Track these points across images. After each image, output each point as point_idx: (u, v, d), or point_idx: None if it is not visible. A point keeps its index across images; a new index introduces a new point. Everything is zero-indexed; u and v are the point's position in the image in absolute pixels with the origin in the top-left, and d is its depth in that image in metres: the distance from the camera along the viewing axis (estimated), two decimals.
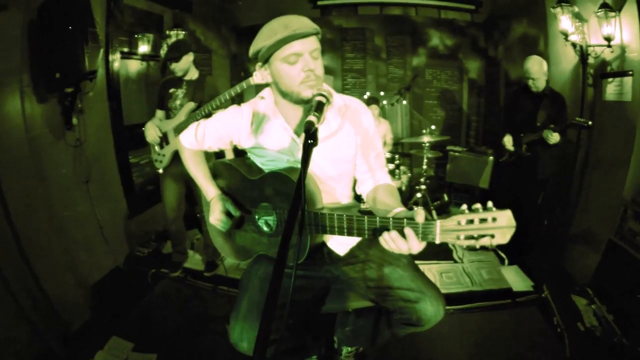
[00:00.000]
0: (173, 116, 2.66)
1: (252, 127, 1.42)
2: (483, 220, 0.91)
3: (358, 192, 1.50)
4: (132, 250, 3.26)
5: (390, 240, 1.03)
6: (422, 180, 4.06)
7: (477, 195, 4.33)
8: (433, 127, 4.15)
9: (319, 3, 4.53)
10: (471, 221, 0.92)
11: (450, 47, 4.71)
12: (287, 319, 1.38)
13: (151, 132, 2.66)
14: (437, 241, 0.98)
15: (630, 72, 2.49)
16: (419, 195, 4.04)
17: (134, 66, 3.46)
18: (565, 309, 2.47)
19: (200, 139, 1.53)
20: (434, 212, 3.82)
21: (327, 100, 1.15)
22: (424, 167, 4.05)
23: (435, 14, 4.61)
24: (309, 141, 0.98)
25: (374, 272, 1.39)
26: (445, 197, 4.43)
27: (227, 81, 4.72)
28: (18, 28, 2.24)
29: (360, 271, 1.42)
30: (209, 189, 1.53)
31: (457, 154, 4.33)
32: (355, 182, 1.51)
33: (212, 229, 1.60)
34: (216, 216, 1.46)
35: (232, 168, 1.50)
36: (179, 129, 2.59)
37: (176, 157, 2.69)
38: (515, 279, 2.93)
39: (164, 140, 2.70)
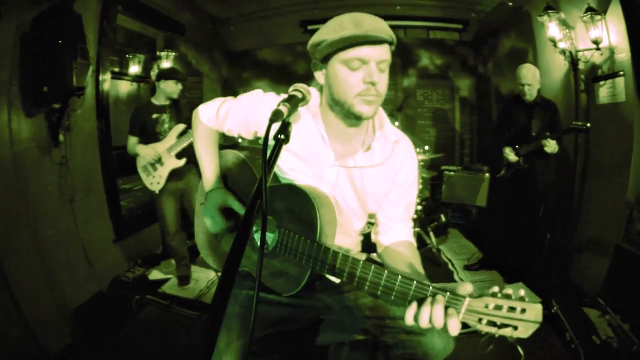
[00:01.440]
0: (162, 139, 2.78)
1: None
2: (511, 309, 0.83)
3: (373, 240, 1.32)
4: (116, 275, 3.12)
5: (425, 312, 0.87)
6: (417, 201, 3.97)
7: (474, 213, 4.25)
8: (427, 147, 4.14)
9: (309, 27, 4.63)
10: (499, 307, 0.84)
11: (440, 67, 4.81)
12: (273, 353, 1.23)
13: (149, 151, 2.75)
14: (459, 320, 0.87)
15: (621, 73, 2.50)
16: (414, 216, 3.94)
17: (125, 87, 3.48)
18: (577, 323, 2.35)
19: (222, 117, 1.29)
20: (431, 234, 3.71)
21: (304, 97, 1.00)
22: (419, 187, 3.97)
23: (424, 34, 4.72)
24: (280, 136, 0.85)
25: (370, 300, 1.22)
26: (443, 218, 4.33)
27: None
28: (10, 39, 2.26)
29: (355, 300, 1.25)
30: (212, 179, 1.33)
31: (452, 173, 4.29)
32: (367, 224, 1.35)
33: (198, 224, 1.44)
34: (210, 212, 1.28)
35: (245, 164, 1.31)
36: (172, 149, 2.76)
37: (171, 176, 2.81)
38: None
39: (158, 163, 2.79)
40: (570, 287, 2.85)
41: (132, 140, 2.81)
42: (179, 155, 2.76)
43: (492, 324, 0.85)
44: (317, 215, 1.04)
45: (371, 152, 1.18)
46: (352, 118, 1.10)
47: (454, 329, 0.85)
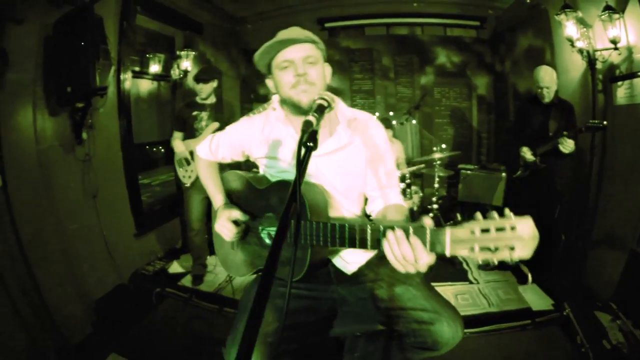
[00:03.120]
0: (198, 135, 2.90)
1: (262, 136, 1.42)
2: (500, 229, 0.79)
3: (368, 211, 1.44)
4: (137, 268, 3.24)
5: (394, 244, 0.91)
6: (434, 199, 3.97)
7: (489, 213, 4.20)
8: (444, 145, 4.11)
9: (326, 25, 4.65)
10: (487, 230, 0.79)
11: (458, 64, 4.73)
12: (290, 344, 1.31)
13: (182, 148, 2.93)
14: (448, 253, 0.85)
15: None
16: (431, 215, 3.94)
17: (145, 86, 3.57)
18: (588, 326, 2.31)
19: (215, 149, 1.54)
20: None
21: (329, 104, 1.13)
22: (436, 185, 3.95)
23: (441, 32, 4.66)
24: (308, 144, 0.93)
25: (384, 291, 1.29)
26: (459, 217, 4.30)
27: (237, 102, 4.83)
28: (33, 42, 2.35)
29: (370, 291, 1.32)
30: (217, 198, 1.52)
31: (468, 172, 4.24)
32: (365, 200, 1.45)
33: (217, 240, 1.57)
34: (221, 223, 1.41)
35: (242, 177, 1.49)
36: None
37: None
38: (534, 298, 2.79)
39: (193, 157, 2.87)
40: (583, 290, 2.80)
41: (175, 135, 2.99)
42: None
43: (485, 248, 0.80)
44: (303, 198, 1.13)
45: (336, 136, 1.33)
46: (298, 110, 1.27)
47: (422, 259, 0.89)
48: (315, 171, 1.32)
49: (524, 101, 3.14)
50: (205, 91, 2.90)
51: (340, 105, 1.38)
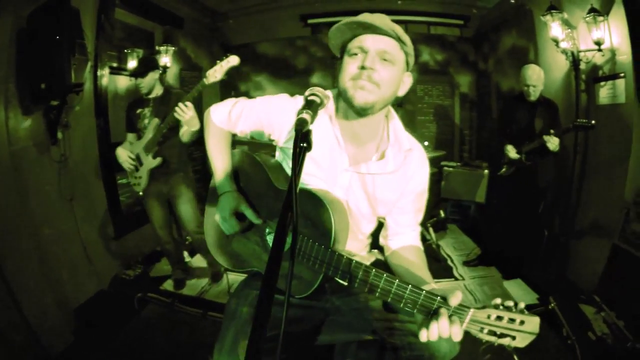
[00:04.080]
0: (143, 135, 2.60)
1: None
2: (511, 321, 0.88)
3: (382, 242, 1.34)
4: (117, 273, 3.12)
5: (434, 329, 0.91)
6: None
7: (473, 209, 4.28)
8: (426, 143, 4.14)
9: (310, 21, 4.57)
10: (501, 318, 0.89)
11: (441, 62, 4.78)
12: (280, 354, 1.26)
13: (124, 157, 2.59)
14: (462, 329, 0.92)
15: (622, 74, 2.51)
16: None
17: (123, 82, 3.41)
18: (574, 319, 2.39)
19: (235, 118, 1.31)
20: (431, 230, 3.73)
21: (322, 101, 0.98)
22: None
23: (425, 29, 4.68)
24: (302, 144, 0.83)
25: (379, 302, 1.24)
26: (442, 214, 4.35)
27: (217, 99, 4.70)
28: (6, 35, 2.20)
29: (364, 302, 1.26)
30: (223, 181, 1.32)
31: (451, 169, 4.30)
32: (378, 226, 1.36)
33: (208, 222, 1.43)
34: (224, 215, 1.28)
35: (258, 165, 1.29)
36: (148, 147, 2.57)
37: (153, 176, 2.63)
38: (519, 292, 2.86)
39: (138, 162, 2.62)
40: (567, 284, 2.90)
41: (129, 137, 2.69)
42: (154, 155, 2.58)
43: (492, 333, 0.90)
44: (332, 222, 1.05)
45: (385, 160, 1.19)
46: (350, 107, 1.11)
47: (457, 337, 0.90)
48: (347, 186, 1.21)
49: (510, 99, 3.20)
50: (146, 85, 2.55)
51: (396, 124, 1.24)
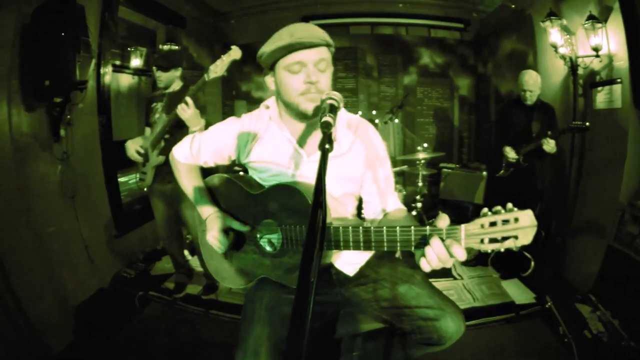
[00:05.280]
0: (152, 131, 2.54)
1: (254, 139, 1.32)
2: (506, 222, 0.89)
3: (367, 216, 1.40)
4: (118, 271, 3.11)
5: (431, 255, 0.93)
6: (417, 198, 4.03)
7: (471, 210, 4.32)
8: (425, 144, 4.17)
9: (311, 23, 4.59)
10: (494, 223, 0.89)
11: (441, 65, 4.82)
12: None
13: (131, 150, 2.52)
14: (463, 246, 0.93)
15: (619, 80, 2.56)
16: (414, 213, 4.00)
17: (126, 80, 3.41)
18: (570, 318, 2.43)
19: (196, 153, 1.41)
20: None
21: (338, 105, 1.05)
22: (420, 184, 4.01)
23: (425, 32, 4.73)
24: (326, 146, 0.90)
25: (388, 291, 1.30)
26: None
27: (219, 99, 4.71)
28: (10, 32, 2.19)
29: (373, 292, 1.32)
30: (205, 207, 1.39)
31: (450, 170, 4.34)
32: (360, 203, 1.42)
33: (205, 251, 1.47)
34: (213, 234, 1.32)
35: (230, 182, 1.36)
36: (154, 143, 2.50)
37: (158, 174, 2.56)
38: (516, 292, 2.89)
39: (145, 157, 2.56)
40: (564, 284, 2.94)
41: (146, 131, 2.60)
42: (159, 152, 2.51)
43: (493, 240, 0.90)
44: (307, 201, 1.09)
45: (337, 143, 1.27)
46: (302, 117, 1.21)
47: (460, 256, 0.91)
48: (313, 174, 1.25)
49: (508, 102, 3.25)
50: (164, 80, 2.48)
51: (341, 112, 1.31)
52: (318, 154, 1.19)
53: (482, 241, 0.91)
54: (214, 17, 4.62)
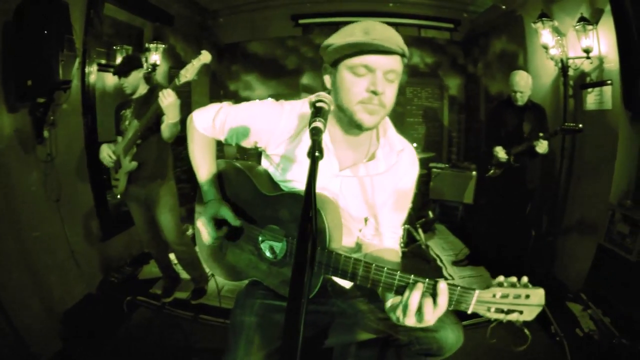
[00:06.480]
0: (123, 138, 2.48)
1: (292, 133, 1.17)
2: (517, 297, 0.90)
3: (361, 240, 1.33)
4: (105, 276, 3.03)
5: (414, 304, 0.93)
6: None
7: (461, 210, 4.35)
8: (415, 144, 4.17)
9: (301, 22, 4.55)
10: (506, 296, 0.90)
11: (431, 65, 4.84)
12: None
13: (104, 153, 2.45)
14: (470, 311, 0.94)
15: (609, 82, 2.60)
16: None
17: (112, 80, 3.31)
18: (561, 316, 2.47)
19: (219, 126, 1.25)
20: (420, 231, 3.78)
21: (329, 107, 0.94)
22: None
23: (416, 32, 4.73)
24: (316, 153, 0.80)
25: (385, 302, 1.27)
26: (430, 214, 4.42)
27: (207, 98, 4.63)
28: None
29: (369, 303, 1.28)
30: (209, 190, 1.28)
31: (439, 170, 4.37)
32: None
33: (199, 235, 1.38)
34: (203, 222, 1.23)
35: (243, 174, 1.26)
36: (125, 149, 2.43)
37: (131, 179, 2.50)
38: None
39: (117, 164, 2.49)
40: (555, 283, 2.98)
41: (117, 140, 2.54)
42: (132, 158, 2.45)
43: (500, 311, 0.91)
44: (325, 222, 1.04)
45: (375, 161, 1.18)
46: (354, 127, 1.08)
47: (432, 319, 0.94)
48: (337, 191, 1.18)
49: (498, 103, 3.26)
50: (130, 85, 2.42)
51: (386, 125, 1.22)
52: (350, 169, 1.17)
53: (489, 309, 0.92)
54: (203, 15, 4.54)
